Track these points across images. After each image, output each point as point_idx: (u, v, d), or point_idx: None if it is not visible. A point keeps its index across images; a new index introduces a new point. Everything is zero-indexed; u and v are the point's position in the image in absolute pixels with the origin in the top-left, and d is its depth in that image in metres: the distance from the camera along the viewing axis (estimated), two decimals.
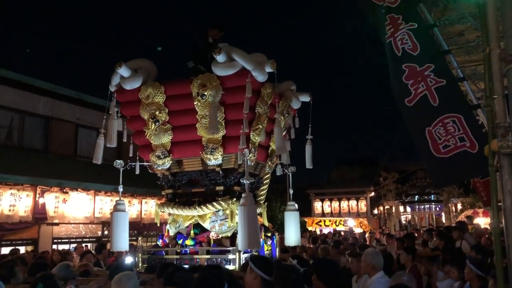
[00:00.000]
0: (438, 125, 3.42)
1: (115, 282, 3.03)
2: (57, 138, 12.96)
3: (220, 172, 5.13)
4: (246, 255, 4.90)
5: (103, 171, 11.75)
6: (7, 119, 11.95)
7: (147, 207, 14.00)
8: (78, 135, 13.57)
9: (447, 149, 3.38)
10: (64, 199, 11.50)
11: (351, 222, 22.03)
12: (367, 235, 15.77)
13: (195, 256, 4.94)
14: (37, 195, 10.96)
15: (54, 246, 11.46)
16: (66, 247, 11.38)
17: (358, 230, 19.86)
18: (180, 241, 5.12)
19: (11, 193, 10.44)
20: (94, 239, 12.71)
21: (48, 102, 12.67)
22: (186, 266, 4.74)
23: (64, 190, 11.53)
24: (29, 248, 10.90)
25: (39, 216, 11.01)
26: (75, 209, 11.81)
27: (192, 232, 5.14)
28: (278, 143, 4.97)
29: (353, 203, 23.20)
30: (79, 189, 11.86)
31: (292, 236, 5.74)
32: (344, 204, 23.24)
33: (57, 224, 11.58)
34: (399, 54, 3.64)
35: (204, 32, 5.54)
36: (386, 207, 24.52)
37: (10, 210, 10.41)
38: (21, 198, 10.62)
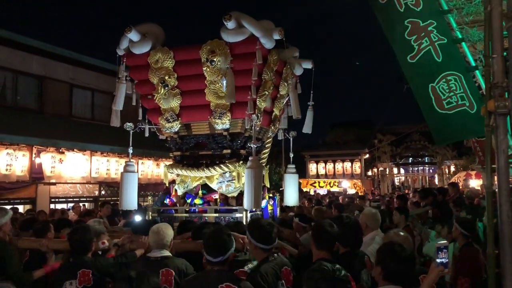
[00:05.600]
0: (442, 81, 3.44)
1: (154, 231, 3.20)
2: (52, 98, 12.88)
3: (227, 136, 5.31)
4: (250, 214, 5.21)
5: (99, 132, 11.89)
6: (0, 78, 11.83)
7: (144, 168, 14.21)
8: (73, 95, 13.50)
9: (450, 105, 3.40)
10: (60, 159, 11.60)
11: (345, 184, 22.43)
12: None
13: (204, 215, 5.22)
14: (33, 155, 11.06)
15: (52, 205, 11.69)
16: (64, 206, 11.62)
17: (352, 191, 20.44)
18: (189, 200, 5.38)
19: (7, 153, 10.52)
20: (91, 199, 12.98)
21: (41, 61, 12.51)
22: None
23: (60, 150, 11.62)
24: (27, 207, 11.10)
25: (36, 175, 11.16)
26: (72, 169, 11.95)
27: (200, 192, 5.39)
28: (295, 106, 5.16)
29: (347, 164, 23.46)
30: (75, 149, 11.96)
31: (291, 197, 6.07)
32: (339, 165, 23.52)
33: (54, 183, 11.74)
34: (402, 10, 3.64)
35: None
36: (380, 168, 24.85)
37: (7, 170, 10.53)
38: (17, 157, 10.71)
